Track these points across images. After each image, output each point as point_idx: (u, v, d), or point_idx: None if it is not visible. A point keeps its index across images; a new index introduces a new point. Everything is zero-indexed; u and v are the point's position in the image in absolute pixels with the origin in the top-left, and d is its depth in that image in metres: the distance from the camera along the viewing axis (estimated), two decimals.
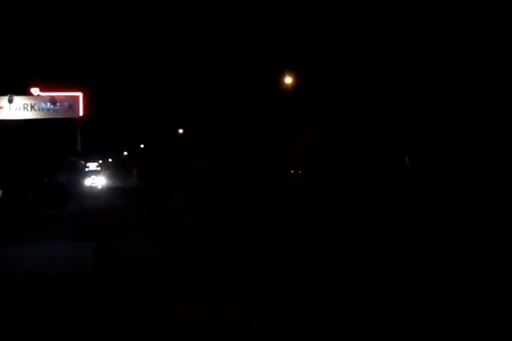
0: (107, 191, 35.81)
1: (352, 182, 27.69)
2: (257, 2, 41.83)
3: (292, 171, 42.53)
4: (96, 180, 61.31)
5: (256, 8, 42.11)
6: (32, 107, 23.19)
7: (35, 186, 20.19)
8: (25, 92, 23.47)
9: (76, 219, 10.54)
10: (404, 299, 5.33)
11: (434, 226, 10.22)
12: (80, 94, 24.19)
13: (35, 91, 23.43)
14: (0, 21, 25.77)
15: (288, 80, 34.32)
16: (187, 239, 10.10)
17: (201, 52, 53.13)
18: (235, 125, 48.29)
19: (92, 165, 69.44)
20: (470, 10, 27.35)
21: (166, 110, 59.71)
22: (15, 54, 26.35)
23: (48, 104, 23.47)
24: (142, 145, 76.46)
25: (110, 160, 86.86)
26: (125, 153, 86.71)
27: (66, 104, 23.85)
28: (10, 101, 22.72)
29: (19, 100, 23.12)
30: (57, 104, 23.60)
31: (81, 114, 24.00)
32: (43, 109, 23.47)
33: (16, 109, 22.90)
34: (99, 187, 51.29)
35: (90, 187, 45.19)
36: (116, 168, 78.51)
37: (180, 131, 61.51)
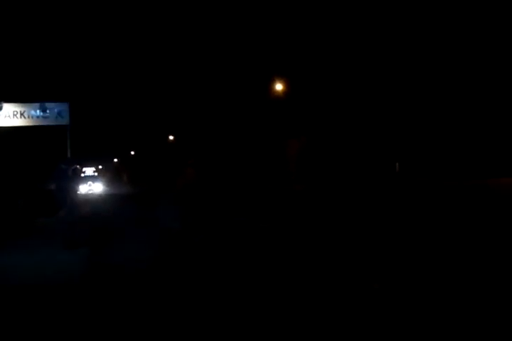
0: (102, 198, 34.86)
1: (343, 188, 27.75)
2: (247, 9, 42.02)
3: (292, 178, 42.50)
4: (93, 186, 56.84)
5: (246, 15, 42.29)
6: (22, 114, 23.08)
7: (26, 194, 20.05)
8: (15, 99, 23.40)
9: (67, 227, 10.49)
10: (395, 304, 5.36)
11: (424, 232, 10.27)
12: (67, 104, 24.11)
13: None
14: None
15: (279, 87, 34.41)
16: (178, 248, 10.07)
17: (192, 59, 53.23)
18: (226, 132, 48.32)
19: (89, 170, 65.86)
20: (460, 10, 27.57)
21: (157, 117, 59.73)
22: (3, 61, 26.30)
23: (38, 111, 23.38)
24: (132, 152, 76.33)
25: (101, 167, 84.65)
26: (115, 159, 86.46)
27: (56, 111, 23.76)
28: None
29: (8, 107, 23.00)
30: (47, 111, 23.51)
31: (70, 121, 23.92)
32: (32, 116, 23.37)
33: (5, 116, 22.78)
34: (97, 194, 48.04)
35: (86, 195, 42.81)
36: (112, 174, 76.20)
37: (171, 137, 61.46)
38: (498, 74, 26.83)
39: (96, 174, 67.05)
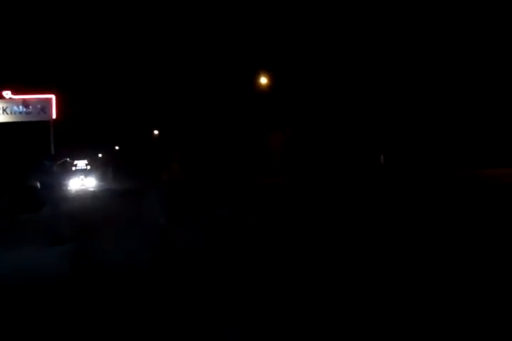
0: (94, 194, 33.09)
1: (327, 181, 27.84)
2: (231, 3, 41.84)
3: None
4: (86, 181, 51.66)
5: (230, 8, 42.11)
6: (4, 110, 22.88)
7: (9, 190, 19.88)
8: None
9: (52, 223, 10.42)
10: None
11: (408, 224, 10.34)
12: (53, 97, 23.92)
13: (7, 94, 23.11)
14: None
15: (263, 80, 34.38)
16: (164, 242, 10.04)
17: (177, 53, 52.88)
18: (211, 125, 48.22)
19: (81, 163, 60.38)
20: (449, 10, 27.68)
21: (141, 111, 59.38)
22: None
23: (21, 107, 23.17)
24: (117, 147, 75.83)
25: (93, 158, 78.83)
26: (100, 155, 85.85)
27: (39, 106, 23.56)
28: None
29: None
30: (30, 107, 23.31)
31: (54, 116, 23.73)
32: (15, 112, 23.16)
33: None
34: (91, 189, 42.34)
35: (77, 191, 39.10)
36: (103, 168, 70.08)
37: (156, 132, 61.21)
38: (481, 65, 26.99)
39: (89, 167, 61.63)
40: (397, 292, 5.55)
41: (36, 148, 25.36)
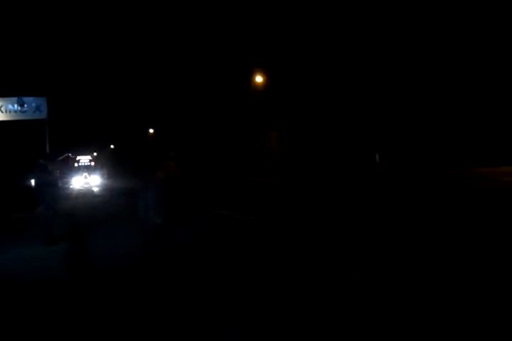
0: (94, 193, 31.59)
1: (323, 179, 27.86)
2: (226, 2, 41.78)
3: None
4: (90, 179, 48.19)
5: (225, 7, 42.05)
6: None
7: (4, 189, 19.83)
8: None
9: (46, 222, 10.40)
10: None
11: (402, 221, 10.38)
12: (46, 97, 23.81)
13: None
14: None
15: (259, 79, 34.38)
16: (158, 242, 10.05)
17: (172, 52, 52.77)
18: (206, 124, 48.19)
19: (84, 159, 55.93)
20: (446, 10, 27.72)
21: (136, 110, 59.27)
22: None
23: (15, 105, 23.07)
24: (112, 146, 75.66)
25: (97, 154, 75.13)
26: (95, 153, 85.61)
27: (34, 105, 23.47)
28: None
29: None
30: (25, 105, 23.21)
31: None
32: (10, 111, 23.06)
33: None
34: (94, 188, 38.53)
35: (79, 189, 36.70)
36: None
37: (151, 130, 61.08)
38: (477, 63, 27.05)
39: (92, 164, 57.55)
40: (395, 291, 5.58)
41: (31, 147, 25.31)
